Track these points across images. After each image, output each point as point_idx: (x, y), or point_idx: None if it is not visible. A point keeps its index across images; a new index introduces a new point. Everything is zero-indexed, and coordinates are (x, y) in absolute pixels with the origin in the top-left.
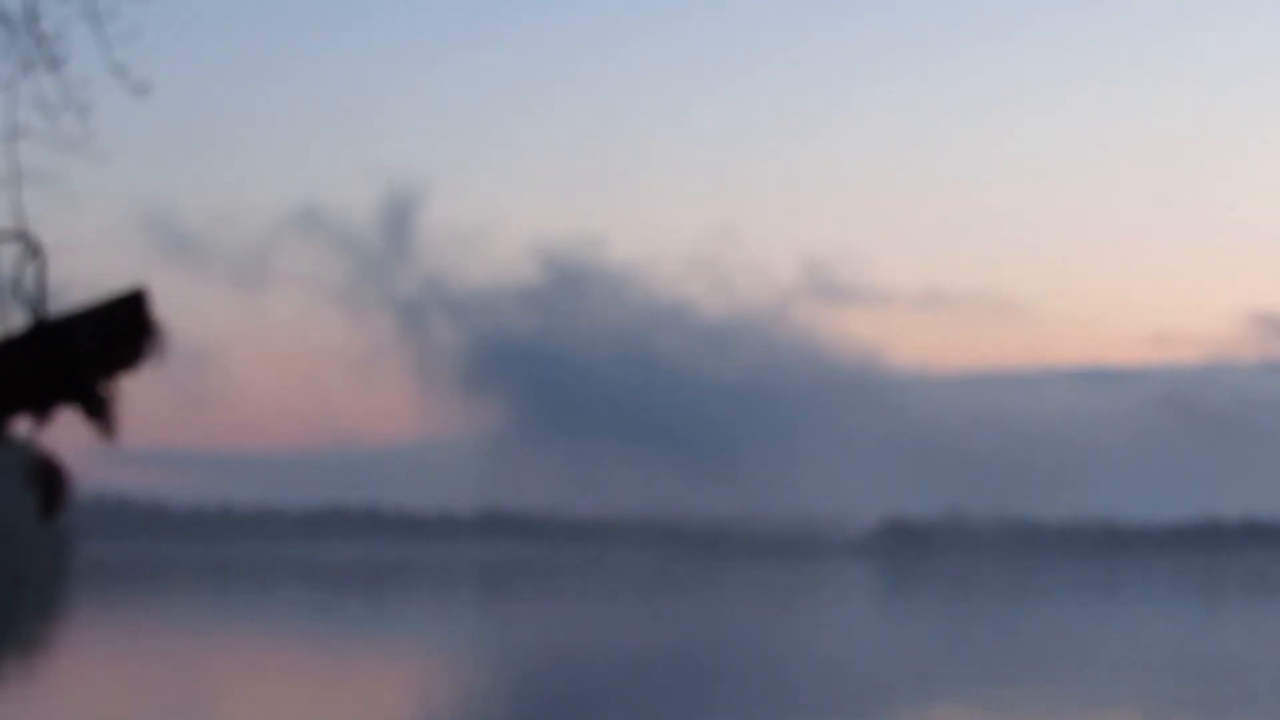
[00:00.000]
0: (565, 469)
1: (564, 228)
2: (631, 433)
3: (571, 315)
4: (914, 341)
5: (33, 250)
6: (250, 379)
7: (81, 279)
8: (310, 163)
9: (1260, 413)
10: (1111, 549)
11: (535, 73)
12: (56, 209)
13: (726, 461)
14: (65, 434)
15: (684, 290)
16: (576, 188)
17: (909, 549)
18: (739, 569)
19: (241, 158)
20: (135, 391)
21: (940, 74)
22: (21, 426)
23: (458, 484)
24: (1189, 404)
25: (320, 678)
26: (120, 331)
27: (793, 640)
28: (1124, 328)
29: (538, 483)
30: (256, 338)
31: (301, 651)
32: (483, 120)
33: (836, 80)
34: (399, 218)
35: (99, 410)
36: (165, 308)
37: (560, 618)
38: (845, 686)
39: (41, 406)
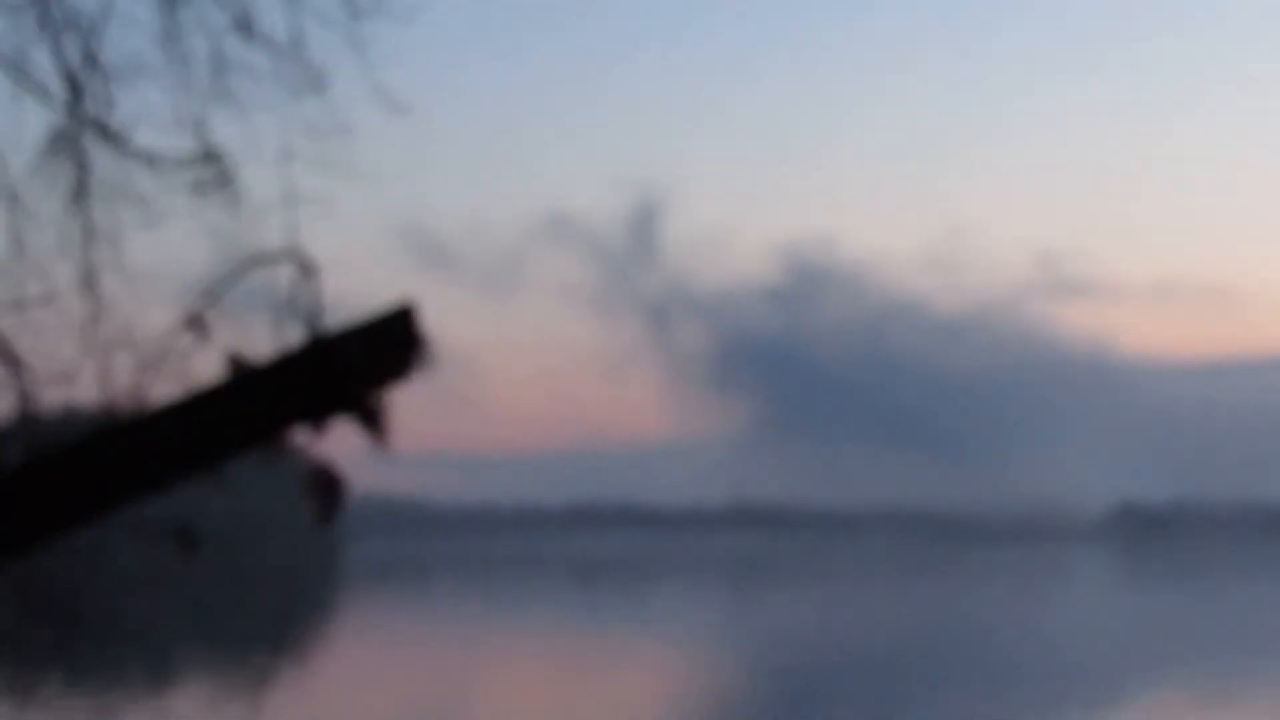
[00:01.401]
0: (809, 462)
1: (800, 228)
2: (872, 426)
3: (810, 313)
4: (1144, 332)
5: (306, 269)
6: (505, 382)
7: (348, 293)
8: (559, 172)
9: None
10: None
11: (763, 84)
12: (324, 228)
13: (964, 451)
14: (339, 443)
15: (917, 286)
16: (811, 190)
17: (1144, 533)
18: (979, 554)
19: (492, 170)
20: (399, 397)
21: (1156, 70)
22: (299, 437)
23: (707, 479)
24: None
25: (583, 670)
26: (392, 345)
27: (1037, 623)
28: None
29: (783, 476)
30: (511, 342)
31: (563, 644)
32: (720, 129)
33: (1058, 78)
34: (644, 223)
35: (373, 421)
36: (428, 318)
37: (811, 605)
38: (1090, 667)
39: (318, 418)
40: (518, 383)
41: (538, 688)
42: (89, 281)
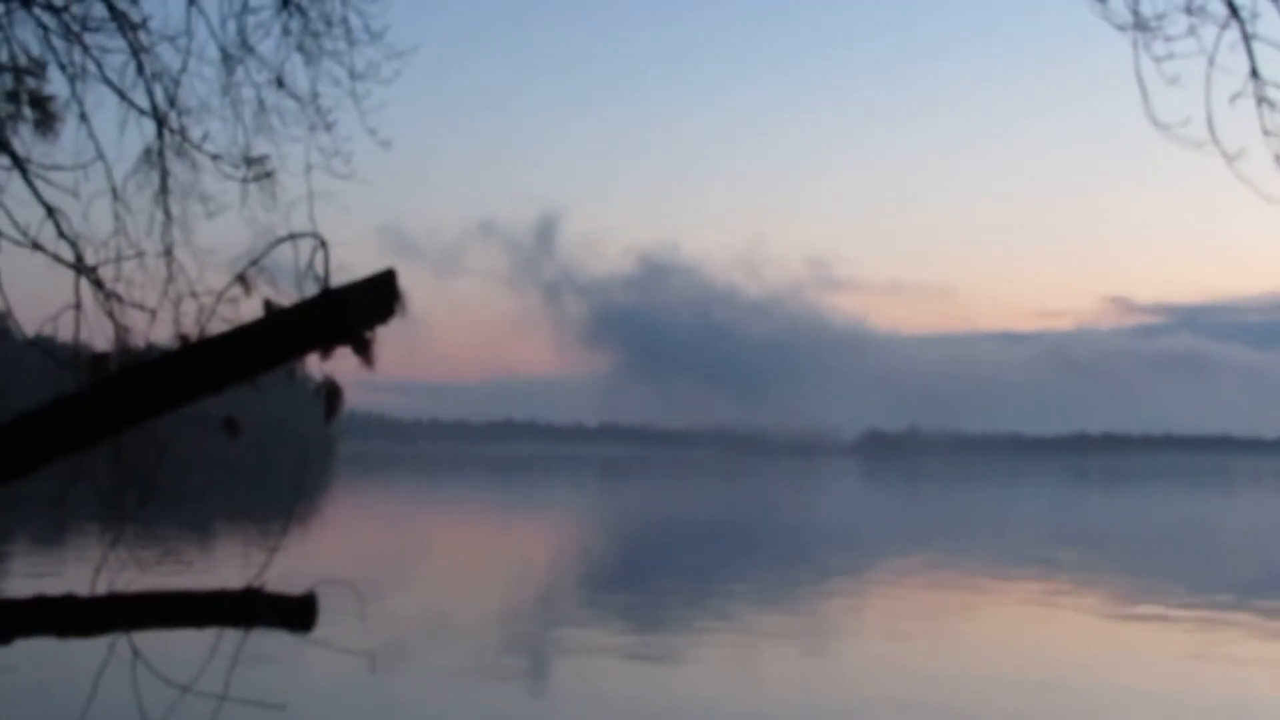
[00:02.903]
0: (656, 397)
1: (652, 237)
2: (700, 372)
3: (658, 294)
4: (886, 314)
5: (321, 244)
6: (448, 335)
7: (347, 267)
8: (488, 189)
9: (1110, 362)
10: (1017, 451)
11: (637, 127)
12: (332, 223)
13: (763, 392)
14: (340, 366)
15: (731, 278)
16: (660, 210)
17: (884, 451)
18: (770, 463)
19: (443, 187)
20: (382, 336)
21: (904, 131)
22: (313, 362)
23: (586, 406)
24: (1064, 356)
25: (499, 530)
26: (379, 296)
27: (806, 511)
28: (1023, 305)
29: (639, 406)
30: (453, 307)
31: (486, 515)
32: (601, 165)
33: (838, 131)
34: (546, 229)
35: (365, 351)
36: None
37: (653, 495)
38: (838, 541)
39: (326, 347)
40: (457, 335)
41: (468, 540)
42: (168, 251)
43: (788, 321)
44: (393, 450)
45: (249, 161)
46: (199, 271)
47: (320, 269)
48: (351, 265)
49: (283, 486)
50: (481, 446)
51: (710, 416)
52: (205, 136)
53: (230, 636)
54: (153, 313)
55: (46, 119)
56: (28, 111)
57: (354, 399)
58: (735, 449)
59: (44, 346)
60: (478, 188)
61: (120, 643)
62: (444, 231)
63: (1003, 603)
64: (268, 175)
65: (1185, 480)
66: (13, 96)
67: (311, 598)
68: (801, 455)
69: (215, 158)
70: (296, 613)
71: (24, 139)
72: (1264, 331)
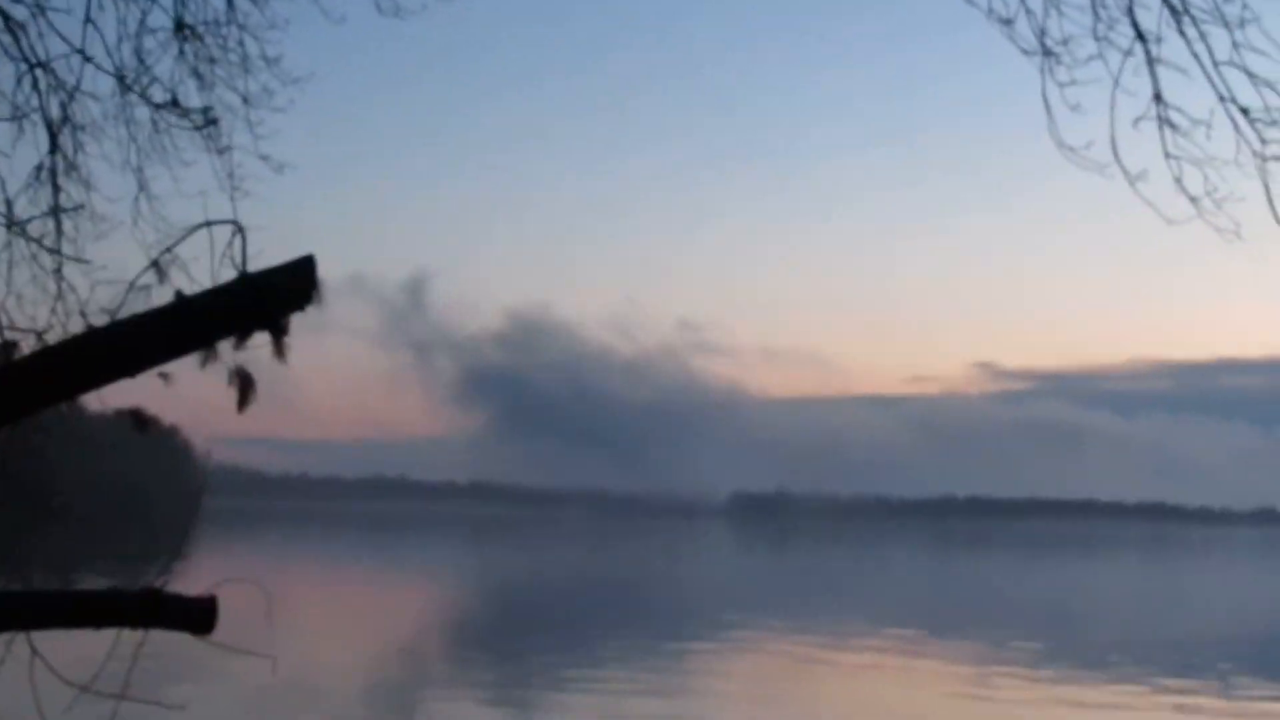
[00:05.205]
0: (527, 456)
1: (524, 297)
2: (571, 432)
3: (530, 354)
4: (756, 378)
5: (239, 230)
6: (319, 390)
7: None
8: (360, 245)
9: (977, 427)
10: (884, 514)
11: (510, 193)
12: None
13: (633, 453)
14: (253, 358)
15: (603, 340)
16: (534, 270)
17: (753, 513)
18: (640, 524)
19: (316, 232)
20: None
21: (774, 196)
22: (226, 347)
23: (457, 464)
24: (932, 420)
25: (368, 588)
26: (299, 281)
27: (675, 572)
28: (894, 371)
29: (509, 464)
30: (323, 363)
31: (356, 572)
32: (474, 224)
33: (709, 197)
34: (417, 286)
35: (280, 336)
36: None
37: (523, 556)
38: (706, 603)
39: (242, 333)
40: (328, 391)
41: (338, 599)
42: (58, 270)
43: (660, 384)
44: (261, 506)
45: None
46: (90, 291)
47: (238, 255)
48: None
49: (144, 534)
50: (352, 503)
51: (581, 477)
52: (95, 152)
53: (130, 637)
54: (40, 334)
55: None
56: None
57: (220, 454)
58: (606, 510)
59: None
60: (348, 239)
61: (18, 640)
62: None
63: (855, 667)
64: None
65: (1047, 545)
66: None
67: (212, 600)
68: (672, 517)
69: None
70: (197, 615)
71: None
72: (1129, 400)
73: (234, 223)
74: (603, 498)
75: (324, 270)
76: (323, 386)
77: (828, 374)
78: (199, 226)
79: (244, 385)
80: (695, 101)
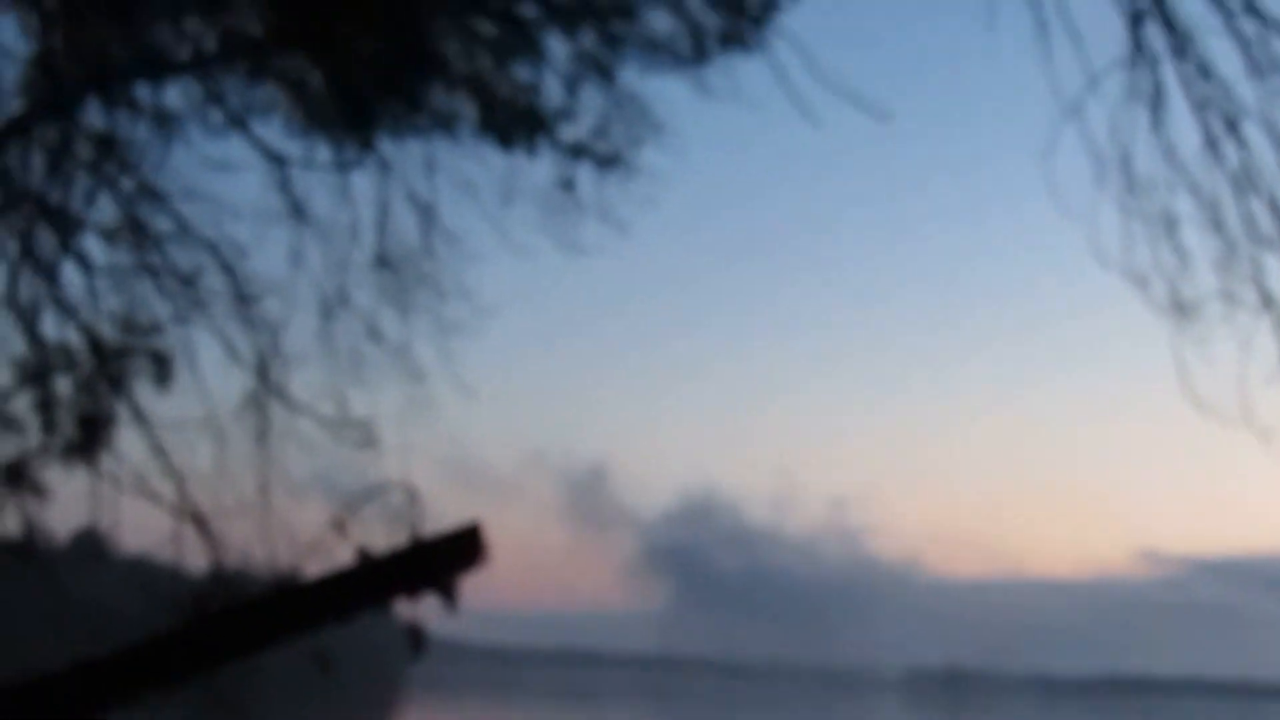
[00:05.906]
0: (709, 628)
1: (692, 477)
2: (748, 607)
3: (703, 531)
4: (924, 557)
5: (412, 496)
6: (512, 563)
7: (429, 507)
8: (538, 426)
9: (1139, 609)
10: (1051, 693)
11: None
12: (420, 462)
13: (808, 627)
14: (425, 608)
15: (768, 518)
16: (701, 454)
17: (923, 687)
18: (816, 696)
19: (500, 415)
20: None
21: (944, 378)
22: (402, 604)
23: (641, 636)
24: (1097, 603)
25: None
26: (467, 547)
27: None
28: (1061, 553)
29: (690, 637)
30: (517, 538)
31: None
32: (649, 404)
33: (874, 378)
34: (597, 469)
35: (449, 596)
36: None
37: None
38: None
39: (414, 592)
40: (522, 565)
41: None
42: (264, 490)
43: (830, 561)
44: (455, 674)
45: (352, 423)
46: (295, 509)
47: (412, 516)
48: (432, 505)
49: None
50: (539, 672)
51: (759, 649)
52: (301, 383)
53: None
54: (248, 550)
55: (164, 375)
56: (147, 367)
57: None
58: (784, 681)
59: (145, 572)
60: (529, 421)
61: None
62: (503, 462)
63: None
64: (371, 445)
65: None
66: (131, 352)
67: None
68: (847, 690)
69: (323, 423)
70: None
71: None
72: None
73: (407, 486)
74: (780, 670)
75: (512, 452)
76: (519, 559)
77: (994, 555)
78: (373, 494)
79: (416, 638)
80: (851, 285)
